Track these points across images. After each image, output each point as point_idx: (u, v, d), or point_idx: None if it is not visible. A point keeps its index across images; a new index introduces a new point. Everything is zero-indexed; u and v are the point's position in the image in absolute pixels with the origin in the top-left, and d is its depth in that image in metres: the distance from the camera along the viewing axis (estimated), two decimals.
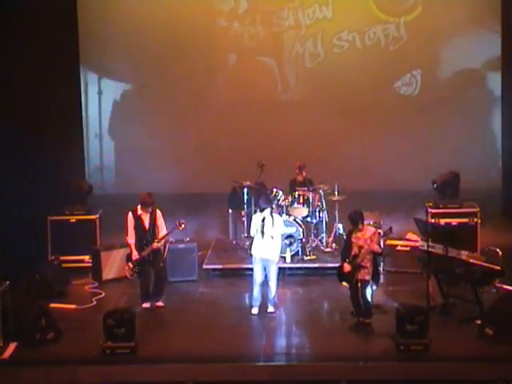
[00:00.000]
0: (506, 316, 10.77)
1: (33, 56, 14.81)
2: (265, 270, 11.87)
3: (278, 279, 12.09)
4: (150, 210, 12.35)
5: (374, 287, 11.77)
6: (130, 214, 12.39)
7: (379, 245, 11.60)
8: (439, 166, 15.21)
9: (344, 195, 14.41)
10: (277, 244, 11.87)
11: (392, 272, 13.79)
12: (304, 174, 14.70)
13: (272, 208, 12.05)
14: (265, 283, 11.98)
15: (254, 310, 11.89)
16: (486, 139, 16.05)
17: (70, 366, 10.38)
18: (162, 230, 12.38)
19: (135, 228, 12.34)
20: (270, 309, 11.94)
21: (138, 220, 12.37)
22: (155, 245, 12.26)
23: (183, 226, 12.41)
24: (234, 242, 15.01)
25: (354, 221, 11.46)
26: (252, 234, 12.02)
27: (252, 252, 11.99)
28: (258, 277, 11.88)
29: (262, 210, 11.95)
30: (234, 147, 16.18)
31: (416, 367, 10.28)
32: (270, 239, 11.77)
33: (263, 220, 11.80)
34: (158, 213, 12.45)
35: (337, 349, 10.77)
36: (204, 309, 12.44)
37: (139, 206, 12.38)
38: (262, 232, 11.76)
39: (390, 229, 11.62)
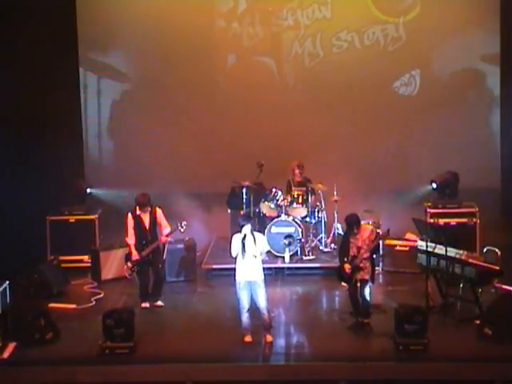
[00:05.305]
0: (505, 316, 10.79)
1: (32, 56, 14.78)
2: (252, 295, 10.94)
3: (268, 302, 11.09)
4: (149, 209, 12.38)
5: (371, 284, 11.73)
6: (130, 214, 12.43)
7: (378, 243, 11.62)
8: (438, 166, 15.23)
9: (343, 195, 14.41)
10: (260, 263, 10.96)
11: (391, 272, 13.81)
12: (302, 173, 14.69)
13: (253, 224, 11.12)
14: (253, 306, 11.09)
15: (248, 338, 10.94)
16: (485, 139, 16.00)
17: (69, 366, 10.41)
18: (166, 229, 12.42)
19: (135, 228, 12.37)
20: (269, 338, 10.99)
21: (137, 220, 12.39)
22: (163, 239, 12.39)
23: (184, 227, 12.46)
24: None
25: (350, 224, 11.46)
26: (233, 255, 11.00)
27: (236, 277, 10.94)
28: (245, 303, 10.93)
29: (241, 227, 10.99)
30: (232, 147, 16.14)
31: (415, 367, 10.29)
32: (252, 258, 10.82)
33: (244, 238, 10.87)
34: (158, 211, 12.48)
35: (336, 349, 10.78)
36: (203, 309, 12.47)
37: (137, 207, 12.41)
38: (243, 251, 10.83)
39: (388, 231, 11.65)
